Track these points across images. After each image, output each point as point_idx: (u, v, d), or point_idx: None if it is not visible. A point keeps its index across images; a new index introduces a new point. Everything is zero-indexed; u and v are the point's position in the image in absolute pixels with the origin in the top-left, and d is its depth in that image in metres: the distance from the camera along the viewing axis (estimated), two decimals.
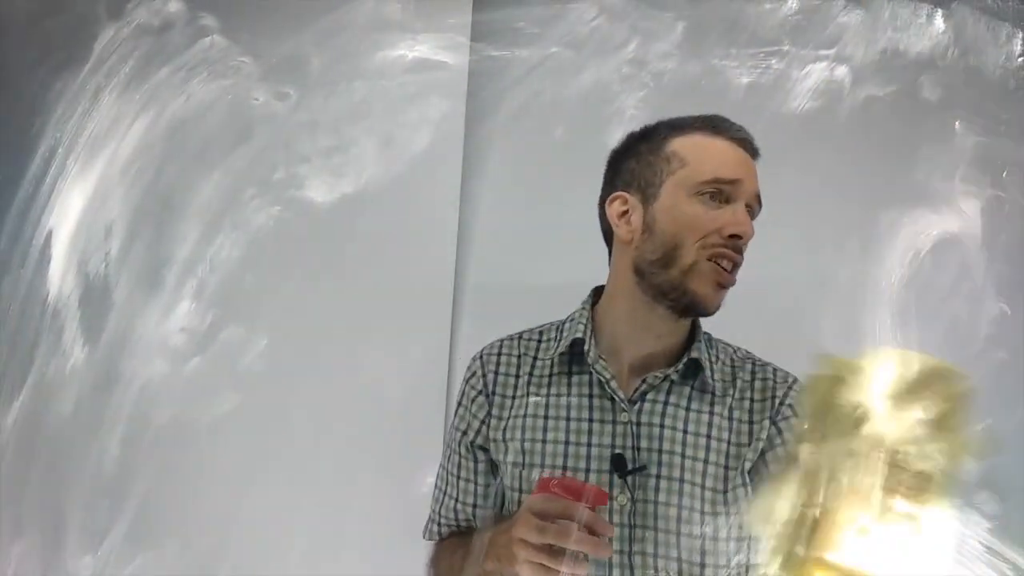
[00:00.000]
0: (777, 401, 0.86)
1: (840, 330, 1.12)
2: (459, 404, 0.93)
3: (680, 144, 0.83)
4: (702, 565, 0.79)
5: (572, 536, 0.66)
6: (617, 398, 0.84)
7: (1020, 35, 1.18)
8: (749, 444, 0.83)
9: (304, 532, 1.22)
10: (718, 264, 0.80)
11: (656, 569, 0.79)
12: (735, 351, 0.92)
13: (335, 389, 1.26)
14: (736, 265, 0.82)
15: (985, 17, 1.19)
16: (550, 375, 0.88)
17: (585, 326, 0.88)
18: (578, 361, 0.88)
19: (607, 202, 0.88)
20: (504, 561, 0.74)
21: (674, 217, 0.81)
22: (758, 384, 0.88)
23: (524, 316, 0.98)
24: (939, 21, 1.21)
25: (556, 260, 1.25)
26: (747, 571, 0.80)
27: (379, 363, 1.27)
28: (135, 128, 1.30)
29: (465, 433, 0.91)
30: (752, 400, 0.86)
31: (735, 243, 0.80)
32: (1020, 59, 1.18)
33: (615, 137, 1.26)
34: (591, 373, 0.86)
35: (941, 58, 1.19)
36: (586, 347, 0.87)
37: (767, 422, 0.84)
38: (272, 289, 1.28)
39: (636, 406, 0.84)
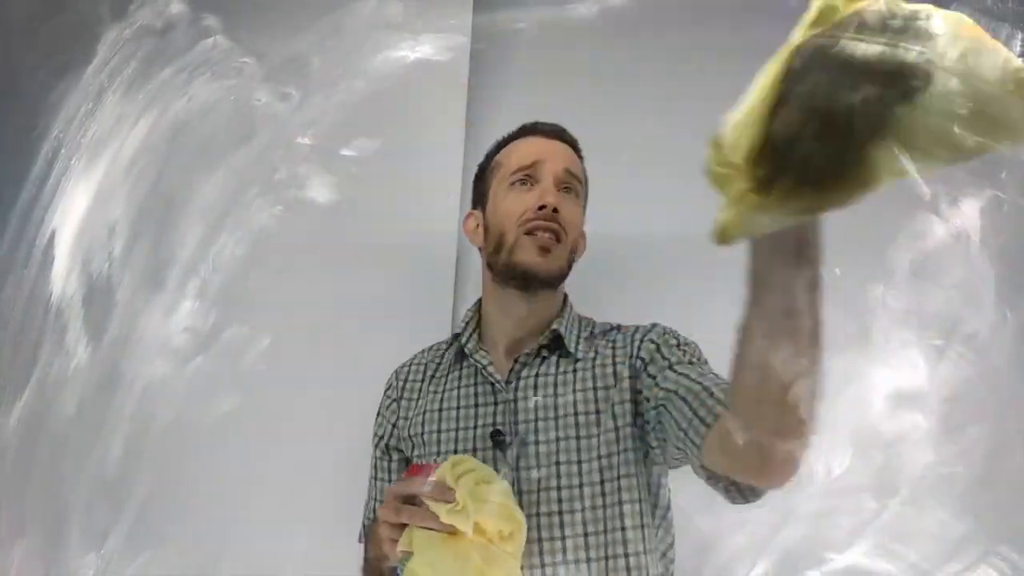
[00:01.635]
0: (638, 342, 0.93)
1: (839, 331, 1.13)
2: (377, 414, 1.04)
3: (501, 153, 1.00)
4: (582, 510, 0.84)
5: (420, 515, 0.72)
6: (494, 380, 0.93)
7: (1020, 36, 1.18)
8: (615, 385, 0.89)
9: (306, 532, 1.22)
10: (537, 235, 0.91)
11: (539, 528, 0.83)
12: (608, 326, 0.99)
13: (338, 389, 1.26)
14: (556, 232, 0.92)
15: (984, 18, 1.19)
16: (446, 373, 0.98)
17: (467, 324, 1.00)
18: (464, 355, 0.98)
19: (463, 223, 1.03)
20: (376, 544, 0.81)
21: (496, 210, 0.96)
22: (619, 338, 0.95)
23: None
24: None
25: None
26: (621, 507, 0.84)
27: (381, 363, 1.27)
28: (138, 128, 1.30)
29: (381, 437, 1.01)
30: (614, 348, 0.93)
31: (545, 212, 0.91)
32: (1020, 60, 1.18)
33: (617, 136, 1.27)
34: (473, 363, 0.96)
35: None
36: (464, 340, 0.97)
37: (629, 360, 0.91)
38: (275, 289, 1.28)
39: (512, 384, 0.92)
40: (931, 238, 1.12)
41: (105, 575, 1.19)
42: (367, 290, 1.31)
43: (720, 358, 1.10)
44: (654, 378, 0.86)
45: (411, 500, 0.74)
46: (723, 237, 0.46)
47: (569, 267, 0.97)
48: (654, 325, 0.95)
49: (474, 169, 1.06)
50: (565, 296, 1.01)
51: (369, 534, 0.98)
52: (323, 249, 1.31)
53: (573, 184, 0.97)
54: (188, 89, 1.30)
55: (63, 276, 1.28)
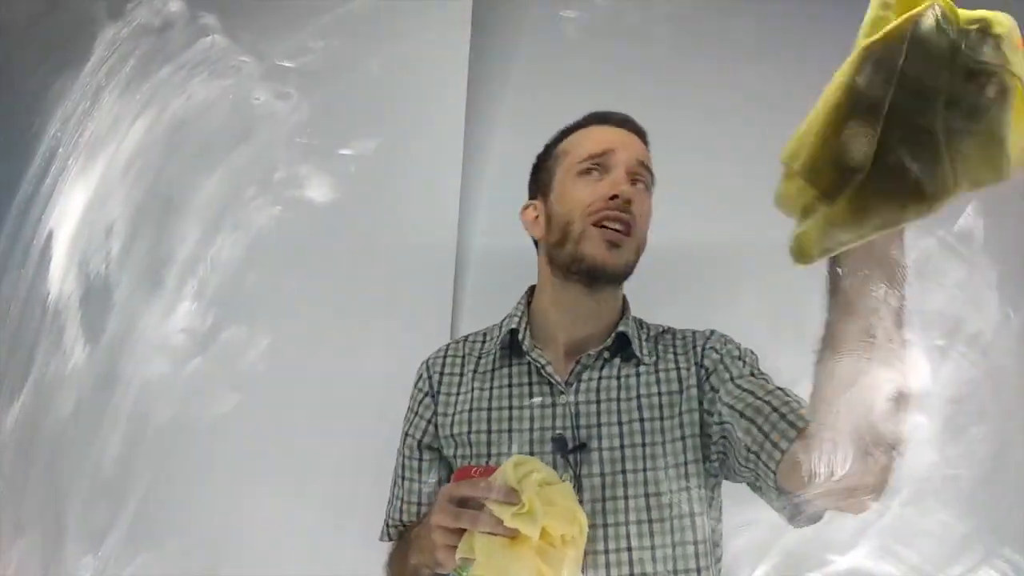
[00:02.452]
0: (699, 348, 0.90)
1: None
2: (408, 409, 0.98)
3: (566, 142, 0.95)
4: (650, 521, 0.81)
5: (483, 520, 0.68)
6: (554, 381, 0.88)
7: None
8: (681, 392, 0.86)
9: (305, 532, 1.22)
10: (605, 227, 0.86)
11: (607, 539, 0.80)
12: (661, 328, 0.97)
13: (336, 389, 1.25)
14: (627, 224, 0.88)
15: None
16: (492, 369, 0.93)
17: (520, 318, 0.94)
18: (517, 352, 0.92)
19: (521, 214, 0.98)
20: (426, 551, 0.76)
21: (563, 199, 0.91)
22: (679, 342, 0.93)
23: None
24: None
25: None
26: (692, 519, 0.82)
27: (380, 363, 1.26)
28: (136, 128, 1.29)
29: (411, 435, 0.95)
30: (675, 354, 0.91)
31: (616, 203, 0.86)
32: None
33: None
34: (529, 362, 0.91)
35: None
36: (520, 336, 0.92)
37: (694, 368, 0.88)
38: (273, 289, 1.28)
39: (573, 387, 0.88)
40: (933, 237, 1.11)
41: (103, 575, 1.19)
42: (366, 290, 1.31)
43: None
44: (716, 391, 0.83)
45: (466, 503, 0.70)
46: (801, 255, 0.44)
47: (635, 264, 0.92)
48: (712, 332, 0.92)
49: (474, 169, 1.05)
50: (623, 295, 0.97)
51: (399, 536, 0.95)
52: (322, 249, 1.30)
53: (644, 176, 0.93)
54: (186, 88, 1.29)
55: (60, 276, 1.27)
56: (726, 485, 1.08)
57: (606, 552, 0.80)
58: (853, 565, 1.02)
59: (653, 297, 1.21)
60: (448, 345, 1.00)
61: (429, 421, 0.94)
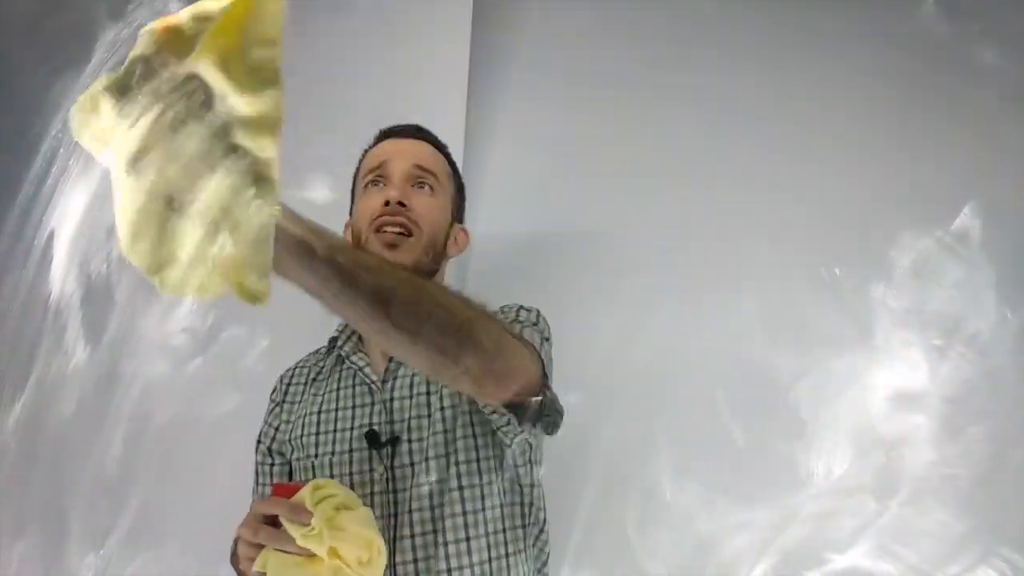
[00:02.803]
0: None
1: (840, 331, 1.13)
2: (263, 419, 1.03)
3: (361, 162, 1.03)
4: (463, 500, 0.86)
5: (276, 537, 0.72)
6: (370, 381, 0.93)
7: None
8: None
9: None
10: (384, 231, 0.93)
11: (412, 524, 0.85)
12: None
13: None
14: (404, 225, 0.94)
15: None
16: (327, 377, 0.99)
17: (345, 327, 1.00)
18: (343, 358, 0.98)
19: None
20: (238, 560, 0.80)
21: (355, 214, 1.00)
22: None
23: None
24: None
25: (558, 264, 1.25)
26: (490, 487, 0.87)
27: None
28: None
29: (262, 441, 1.01)
30: None
31: (390, 208, 0.93)
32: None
33: (616, 135, 1.24)
34: (349, 365, 0.96)
35: (943, 59, 1.19)
36: (340, 343, 0.99)
37: None
38: (273, 289, 1.27)
39: (388, 384, 0.92)
40: (932, 237, 1.12)
41: (105, 575, 1.19)
42: None
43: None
44: None
45: (271, 520, 0.74)
46: (256, 300, 0.51)
47: (433, 261, 0.97)
48: (516, 306, 0.95)
49: (474, 171, 1.06)
50: None
51: None
52: None
53: (427, 179, 0.98)
54: None
55: (62, 276, 1.28)
56: (725, 486, 1.09)
57: (412, 536, 0.84)
58: (852, 564, 1.03)
59: (652, 297, 1.22)
60: (301, 359, 1.06)
61: (276, 429, 0.99)
